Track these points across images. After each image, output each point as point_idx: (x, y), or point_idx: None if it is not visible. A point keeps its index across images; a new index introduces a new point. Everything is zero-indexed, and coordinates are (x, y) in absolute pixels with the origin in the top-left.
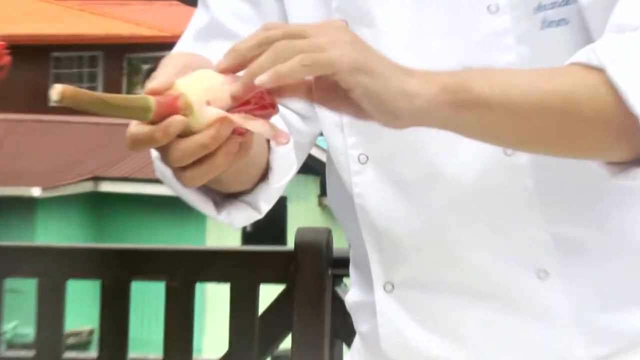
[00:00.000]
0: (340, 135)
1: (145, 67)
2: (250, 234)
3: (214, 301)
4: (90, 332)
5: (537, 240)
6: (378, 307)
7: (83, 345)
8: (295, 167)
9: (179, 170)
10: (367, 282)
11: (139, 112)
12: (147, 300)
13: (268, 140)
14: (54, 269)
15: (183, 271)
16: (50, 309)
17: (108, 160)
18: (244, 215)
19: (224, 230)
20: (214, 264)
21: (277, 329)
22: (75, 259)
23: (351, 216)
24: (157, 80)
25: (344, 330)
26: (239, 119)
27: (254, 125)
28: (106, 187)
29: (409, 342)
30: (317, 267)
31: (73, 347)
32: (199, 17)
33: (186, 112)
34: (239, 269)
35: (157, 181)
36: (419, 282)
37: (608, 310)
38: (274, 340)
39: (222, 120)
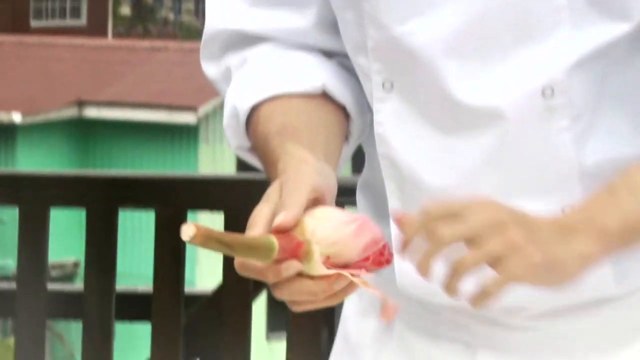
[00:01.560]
0: (364, 58)
1: None
2: (246, 162)
3: None
4: (75, 264)
5: (567, 179)
6: (394, 241)
7: (68, 278)
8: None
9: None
10: (379, 209)
11: (263, 254)
12: (137, 232)
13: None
14: (36, 197)
15: (174, 200)
16: (33, 239)
17: (93, 84)
18: None
19: (218, 158)
20: (206, 193)
21: None
22: (59, 187)
23: (371, 140)
24: (285, 215)
25: None
26: (355, 280)
27: (369, 291)
28: (91, 112)
29: (427, 283)
30: None
31: (57, 279)
32: None
33: (306, 259)
34: (233, 198)
35: (146, 106)
36: None
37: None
38: None
39: (337, 277)
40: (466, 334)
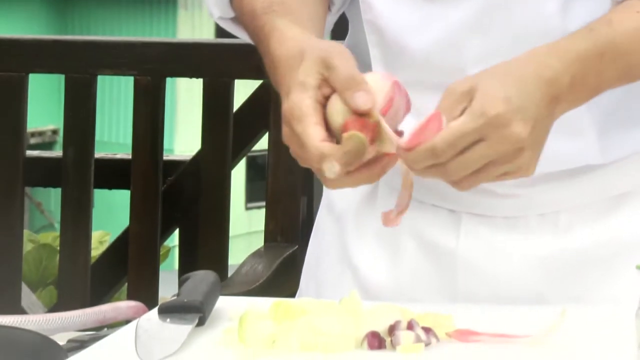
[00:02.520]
0: None
1: None
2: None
3: (185, 98)
4: (54, 132)
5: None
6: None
7: (47, 146)
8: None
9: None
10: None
11: (360, 153)
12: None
13: None
14: (14, 62)
15: (152, 65)
16: (11, 105)
17: None
18: None
19: (197, 25)
20: (185, 58)
21: (252, 127)
22: (37, 52)
23: (355, 6)
24: (364, 99)
25: None
26: (404, 169)
27: (403, 194)
28: None
29: None
30: None
31: (36, 147)
32: None
33: (379, 138)
34: (212, 63)
35: None
36: (424, 83)
37: (623, 116)
38: (250, 139)
39: (396, 157)
40: (450, 201)
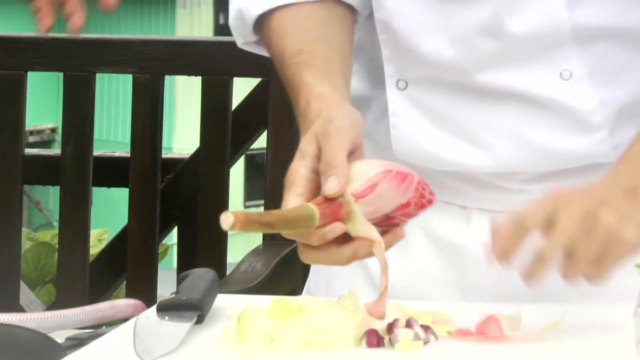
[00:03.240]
0: None
1: None
2: (224, 26)
3: (184, 97)
4: (53, 130)
5: (562, 43)
6: (390, 106)
7: (45, 144)
8: None
9: (304, 247)
10: (371, 73)
11: (305, 224)
12: (114, 100)
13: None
14: (12, 60)
15: (151, 63)
16: (9, 104)
17: None
18: None
19: (195, 22)
20: (184, 56)
21: (251, 125)
22: (35, 50)
23: None
24: (337, 184)
25: None
26: (381, 253)
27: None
28: None
29: (424, 145)
30: None
31: (35, 145)
32: None
33: (348, 219)
34: (211, 61)
35: None
36: (435, 81)
37: (635, 112)
38: (248, 137)
39: (376, 244)
40: (460, 198)
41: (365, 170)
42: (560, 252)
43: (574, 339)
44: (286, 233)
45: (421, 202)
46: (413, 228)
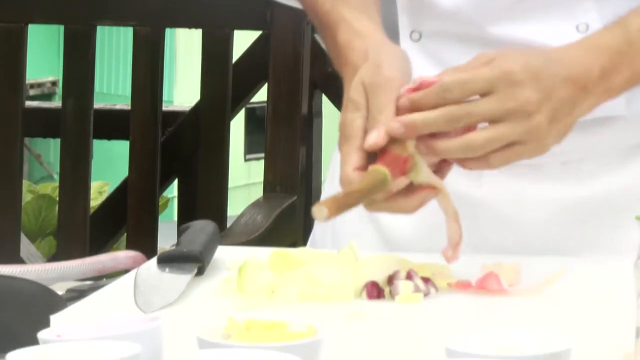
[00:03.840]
0: None
1: None
2: None
3: (185, 49)
4: (54, 83)
5: None
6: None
7: (46, 97)
8: None
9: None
10: (385, 25)
11: (381, 188)
12: (115, 53)
13: None
14: (12, 12)
15: (152, 16)
16: (10, 57)
17: None
18: None
19: None
20: (185, 8)
21: (251, 78)
22: (36, 2)
23: None
24: (378, 134)
25: (323, 79)
26: (447, 201)
27: (451, 225)
28: None
29: None
30: (296, 12)
31: (35, 98)
32: None
33: (412, 171)
34: (212, 14)
35: None
36: (450, 33)
37: None
38: (249, 90)
39: (442, 194)
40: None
41: None
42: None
43: (574, 292)
44: (372, 206)
45: None
46: None
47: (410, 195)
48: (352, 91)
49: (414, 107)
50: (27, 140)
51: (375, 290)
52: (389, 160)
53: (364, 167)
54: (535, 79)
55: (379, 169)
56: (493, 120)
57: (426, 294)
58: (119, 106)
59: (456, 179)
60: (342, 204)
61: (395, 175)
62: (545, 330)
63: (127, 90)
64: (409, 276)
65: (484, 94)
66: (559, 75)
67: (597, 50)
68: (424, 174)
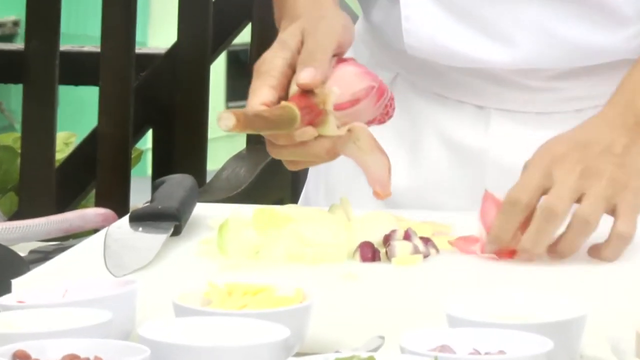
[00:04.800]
0: None
1: None
2: None
3: None
4: (15, 23)
5: None
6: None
7: (7, 38)
8: None
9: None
10: None
11: (286, 125)
12: None
13: None
14: None
15: None
16: None
17: None
18: None
19: None
20: None
21: (234, 18)
22: None
23: None
24: (314, 73)
25: None
26: (365, 135)
27: (374, 160)
28: None
29: (438, 38)
30: None
31: None
32: None
33: (321, 125)
34: None
35: None
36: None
37: None
38: (231, 31)
39: (359, 129)
40: (477, 96)
41: (351, 81)
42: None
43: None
44: (261, 132)
45: (384, 118)
46: (425, 129)
47: (320, 138)
48: (285, 33)
49: None
50: None
51: (369, 252)
52: (303, 106)
53: (272, 104)
54: (581, 143)
55: (292, 106)
56: (577, 191)
57: (426, 256)
58: (87, 48)
59: (459, 125)
60: (248, 123)
61: (303, 122)
62: (555, 294)
63: (97, 31)
64: (406, 236)
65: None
66: (606, 130)
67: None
68: (332, 129)
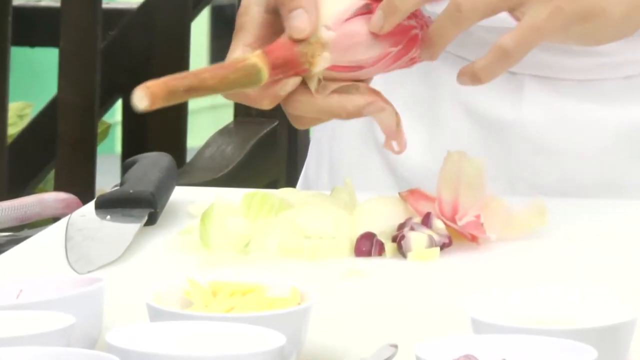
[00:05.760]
0: None
1: None
2: None
3: None
4: None
5: None
6: None
7: None
8: None
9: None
10: None
11: (249, 80)
12: None
13: None
14: None
15: None
16: None
17: None
18: None
19: None
20: None
21: None
22: None
23: None
24: (301, 21)
25: None
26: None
27: (382, 116)
28: None
29: None
30: None
31: None
32: None
33: (310, 67)
34: None
35: None
36: None
37: None
38: None
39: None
40: None
41: (337, 1)
42: None
43: (631, 242)
44: (229, 94)
45: (402, 55)
46: (447, 98)
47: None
48: None
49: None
50: None
51: (365, 244)
52: (281, 62)
53: None
54: None
55: (252, 57)
56: None
57: (441, 246)
58: (45, 3)
59: (486, 97)
60: (175, 90)
61: (278, 69)
62: (598, 293)
63: None
64: (425, 221)
65: None
66: None
67: None
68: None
